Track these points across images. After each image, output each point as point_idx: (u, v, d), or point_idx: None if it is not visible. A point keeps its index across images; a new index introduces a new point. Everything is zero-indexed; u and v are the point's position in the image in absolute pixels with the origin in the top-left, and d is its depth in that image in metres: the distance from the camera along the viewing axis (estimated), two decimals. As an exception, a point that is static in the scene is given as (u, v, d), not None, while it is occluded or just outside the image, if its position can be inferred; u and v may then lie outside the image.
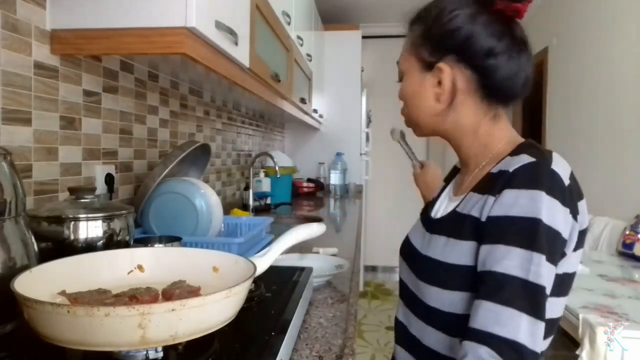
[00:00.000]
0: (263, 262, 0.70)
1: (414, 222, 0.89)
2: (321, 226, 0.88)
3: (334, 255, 1.39)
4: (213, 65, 1.12)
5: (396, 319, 0.85)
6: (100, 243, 0.82)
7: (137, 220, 1.21)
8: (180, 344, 0.52)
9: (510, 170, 0.64)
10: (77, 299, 0.57)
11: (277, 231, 1.33)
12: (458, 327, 0.64)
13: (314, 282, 1.06)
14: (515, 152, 0.69)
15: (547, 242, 0.59)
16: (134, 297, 0.57)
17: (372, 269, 4.80)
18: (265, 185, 2.62)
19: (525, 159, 0.64)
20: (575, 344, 1.36)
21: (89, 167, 1.17)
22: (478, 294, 0.60)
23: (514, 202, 0.61)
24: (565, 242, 0.62)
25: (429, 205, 0.87)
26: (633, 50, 2.53)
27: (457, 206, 0.74)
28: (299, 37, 2.33)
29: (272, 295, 0.84)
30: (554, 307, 0.65)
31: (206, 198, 1.25)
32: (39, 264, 0.64)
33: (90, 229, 0.81)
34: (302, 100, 2.51)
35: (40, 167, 1.00)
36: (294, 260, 1.21)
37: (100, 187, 1.20)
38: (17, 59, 0.93)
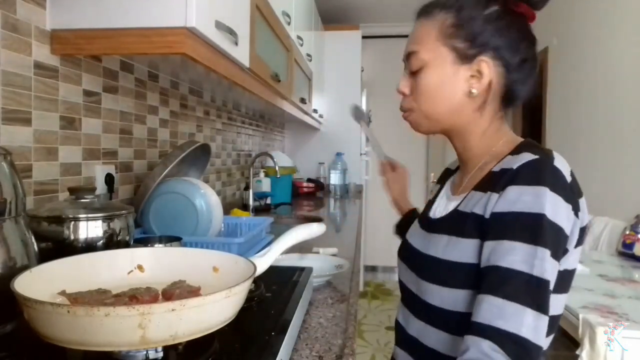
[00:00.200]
0: (263, 262, 0.70)
1: (414, 222, 0.89)
2: (321, 226, 0.88)
3: (334, 255, 1.39)
4: (213, 65, 1.12)
5: (396, 321, 0.85)
6: (100, 243, 0.82)
7: (137, 220, 1.21)
8: (180, 344, 0.52)
9: (514, 167, 0.64)
10: (77, 299, 0.57)
11: (277, 231, 1.33)
12: (461, 325, 0.64)
13: (314, 282, 1.06)
14: (516, 151, 0.69)
15: (551, 238, 0.60)
16: (134, 297, 0.57)
17: (372, 269, 4.80)
18: (265, 185, 2.62)
19: (527, 156, 0.64)
20: (575, 344, 1.36)
21: (89, 167, 1.17)
22: (481, 289, 0.60)
23: (518, 198, 0.61)
24: (567, 238, 0.63)
25: (426, 207, 0.87)
26: (633, 51, 2.53)
27: (459, 205, 0.73)
28: (299, 37, 2.33)
29: (272, 295, 0.84)
30: (555, 304, 0.65)
31: (206, 198, 1.25)
32: (39, 264, 0.64)
33: (90, 229, 0.81)
34: (302, 100, 2.51)
35: (40, 167, 1.00)
36: (294, 260, 1.21)
37: (100, 187, 1.20)
38: (17, 59, 0.93)
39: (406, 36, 0.80)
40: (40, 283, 0.58)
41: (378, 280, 4.69)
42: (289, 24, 2.06)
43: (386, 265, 4.75)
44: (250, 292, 0.75)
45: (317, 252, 1.42)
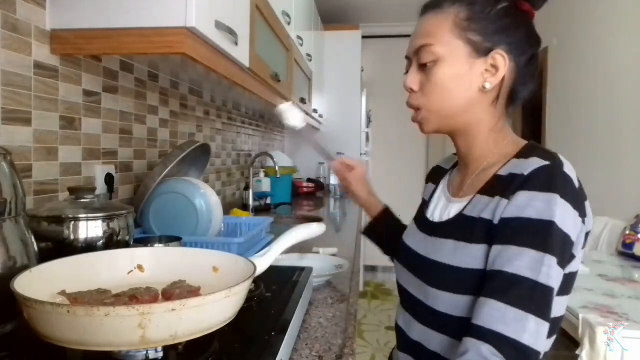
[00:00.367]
0: (263, 262, 0.70)
1: (410, 223, 0.88)
2: (321, 226, 0.88)
3: (334, 255, 1.39)
4: (213, 65, 1.12)
5: (396, 325, 0.84)
6: (100, 243, 0.82)
7: (137, 220, 1.21)
8: (180, 344, 0.52)
9: (525, 173, 0.63)
10: (77, 299, 0.57)
11: (277, 231, 1.33)
12: (467, 331, 0.62)
13: (314, 282, 1.06)
14: (522, 154, 0.68)
15: (559, 245, 0.59)
16: (134, 297, 0.57)
17: (372, 269, 4.79)
18: (265, 185, 2.62)
19: (538, 162, 0.64)
20: (575, 344, 1.36)
21: (89, 167, 1.17)
22: (484, 292, 0.60)
23: (528, 204, 0.61)
24: (573, 244, 0.62)
25: (422, 208, 0.86)
26: (633, 51, 2.53)
27: (464, 209, 0.72)
28: (299, 37, 2.33)
29: (272, 295, 0.84)
30: (558, 306, 0.65)
31: (206, 198, 1.25)
32: (38, 264, 0.64)
33: (90, 229, 0.81)
34: (302, 100, 2.51)
35: (40, 167, 1.00)
36: (294, 260, 1.21)
37: (100, 187, 1.20)
38: (17, 59, 0.93)
39: (406, 36, 0.79)
40: (40, 283, 0.58)
41: (378, 280, 4.69)
42: (289, 24, 2.06)
43: (386, 265, 4.74)
44: (250, 292, 0.75)
45: (317, 252, 1.42)
